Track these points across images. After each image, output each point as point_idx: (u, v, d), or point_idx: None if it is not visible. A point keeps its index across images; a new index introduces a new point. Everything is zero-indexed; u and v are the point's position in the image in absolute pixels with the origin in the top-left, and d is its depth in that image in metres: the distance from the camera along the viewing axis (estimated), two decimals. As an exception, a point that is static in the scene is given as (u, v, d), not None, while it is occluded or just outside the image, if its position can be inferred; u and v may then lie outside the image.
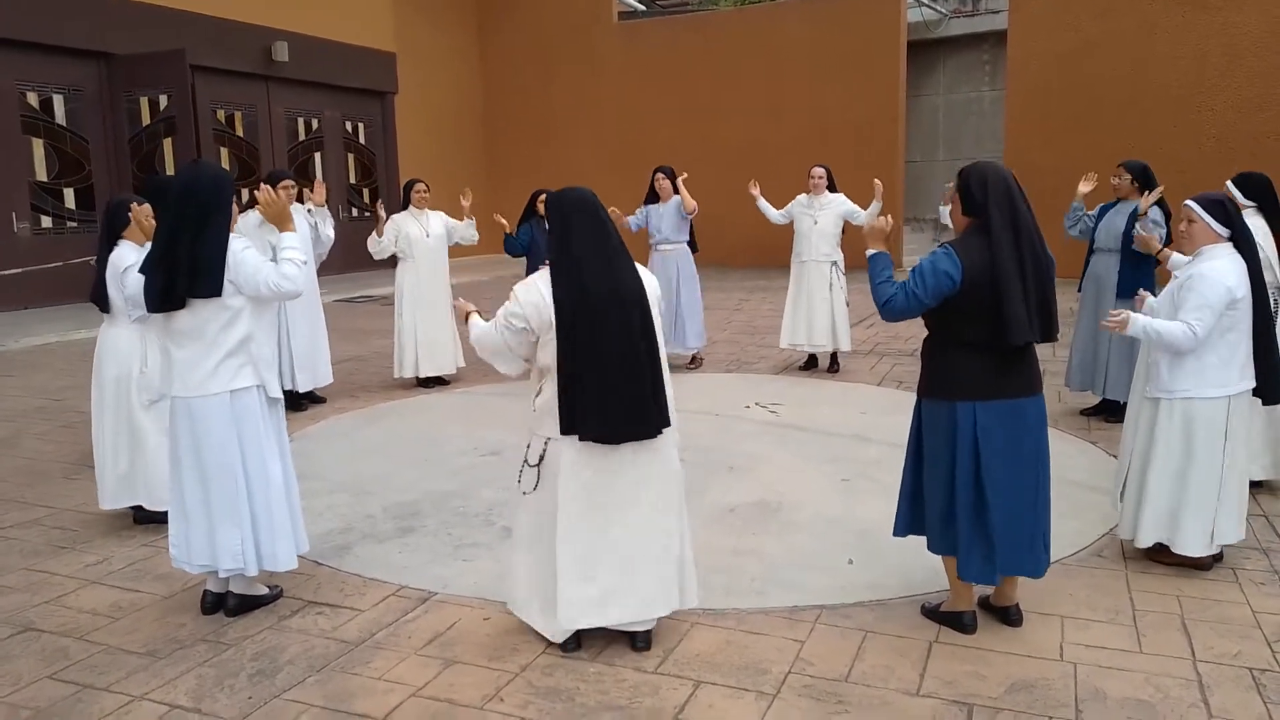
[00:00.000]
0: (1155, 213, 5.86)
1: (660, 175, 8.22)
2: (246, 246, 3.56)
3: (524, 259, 7.91)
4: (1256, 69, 12.34)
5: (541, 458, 3.29)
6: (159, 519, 4.65)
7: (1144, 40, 13.15)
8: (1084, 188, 6.33)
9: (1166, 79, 12.97)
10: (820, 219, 7.99)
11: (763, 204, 8.29)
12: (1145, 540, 3.90)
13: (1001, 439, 3.24)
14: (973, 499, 3.28)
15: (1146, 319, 3.80)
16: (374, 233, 7.67)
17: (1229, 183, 5.12)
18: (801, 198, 8.16)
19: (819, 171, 8.09)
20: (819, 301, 7.99)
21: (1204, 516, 3.78)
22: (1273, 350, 3.85)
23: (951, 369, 3.29)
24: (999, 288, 3.14)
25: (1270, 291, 4.81)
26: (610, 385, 3.12)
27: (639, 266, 3.28)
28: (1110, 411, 6.31)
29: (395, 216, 7.80)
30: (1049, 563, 3.42)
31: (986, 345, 3.22)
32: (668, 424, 3.24)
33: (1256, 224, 4.82)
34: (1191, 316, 3.69)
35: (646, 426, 3.18)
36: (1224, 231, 3.80)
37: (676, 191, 8.17)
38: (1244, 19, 12.34)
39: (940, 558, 3.48)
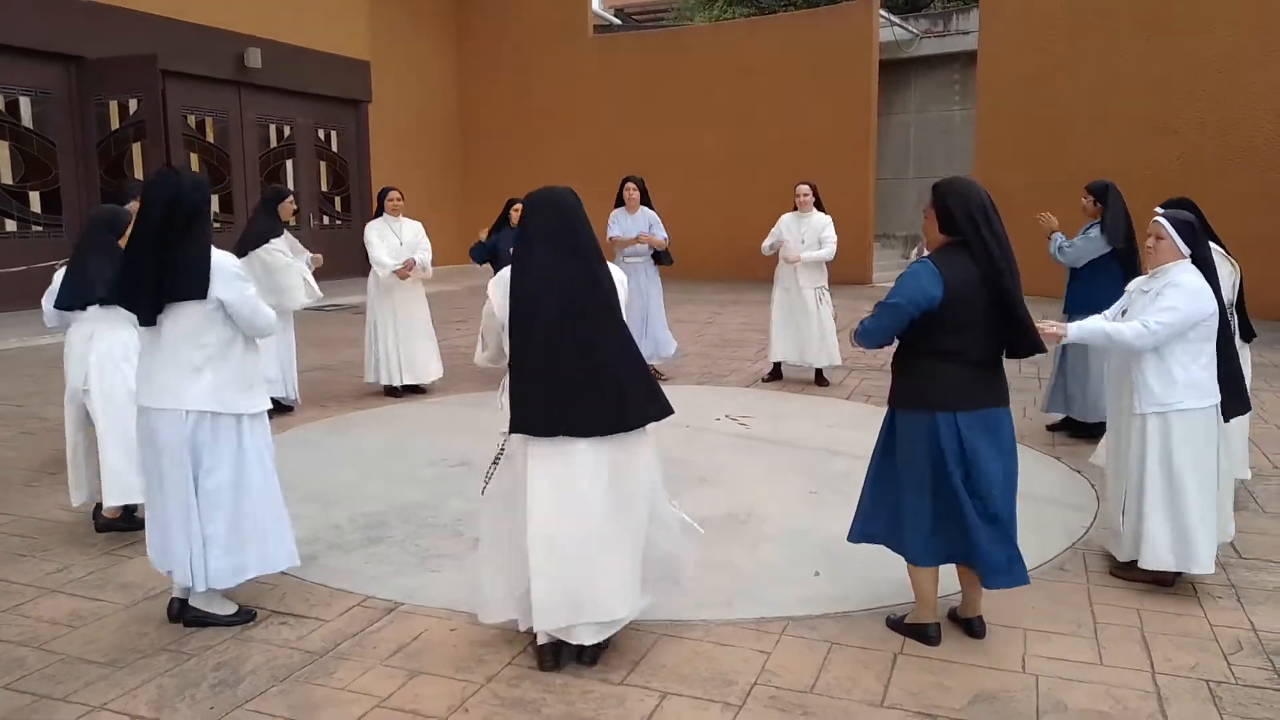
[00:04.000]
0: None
1: (630, 185, 8.23)
2: (242, 277, 3.56)
3: (489, 266, 7.91)
4: (1218, 93, 12.60)
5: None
6: (120, 526, 4.62)
7: (1110, 63, 13.38)
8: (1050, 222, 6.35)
9: (1132, 101, 13.21)
10: (808, 239, 7.89)
11: (770, 247, 8.06)
12: (1154, 563, 3.85)
13: (979, 448, 3.29)
14: (963, 510, 3.30)
15: (1085, 324, 3.91)
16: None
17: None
18: (786, 217, 8.03)
19: (805, 189, 7.95)
20: (806, 324, 8.02)
21: (1211, 530, 3.81)
22: (1232, 368, 3.92)
23: (931, 380, 3.32)
24: (1004, 303, 3.23)
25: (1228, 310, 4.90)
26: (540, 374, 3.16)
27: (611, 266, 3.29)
28: (1073, 428, 6.39)
29: (370, 224, 7.80)
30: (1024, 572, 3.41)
31: (966, 356, 3.28)
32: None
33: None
34: (1155, 316, 3.72)
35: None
36: (1186, 250, 3.88)
37: (648, 204, 8.20)
38: (1206, 45, 12.60)
39: (908, 569, 3.51)
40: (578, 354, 3.12)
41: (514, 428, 3.16)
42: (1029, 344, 3.34)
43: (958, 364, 3.29)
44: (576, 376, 3.11)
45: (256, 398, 3.64)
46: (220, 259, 3.52)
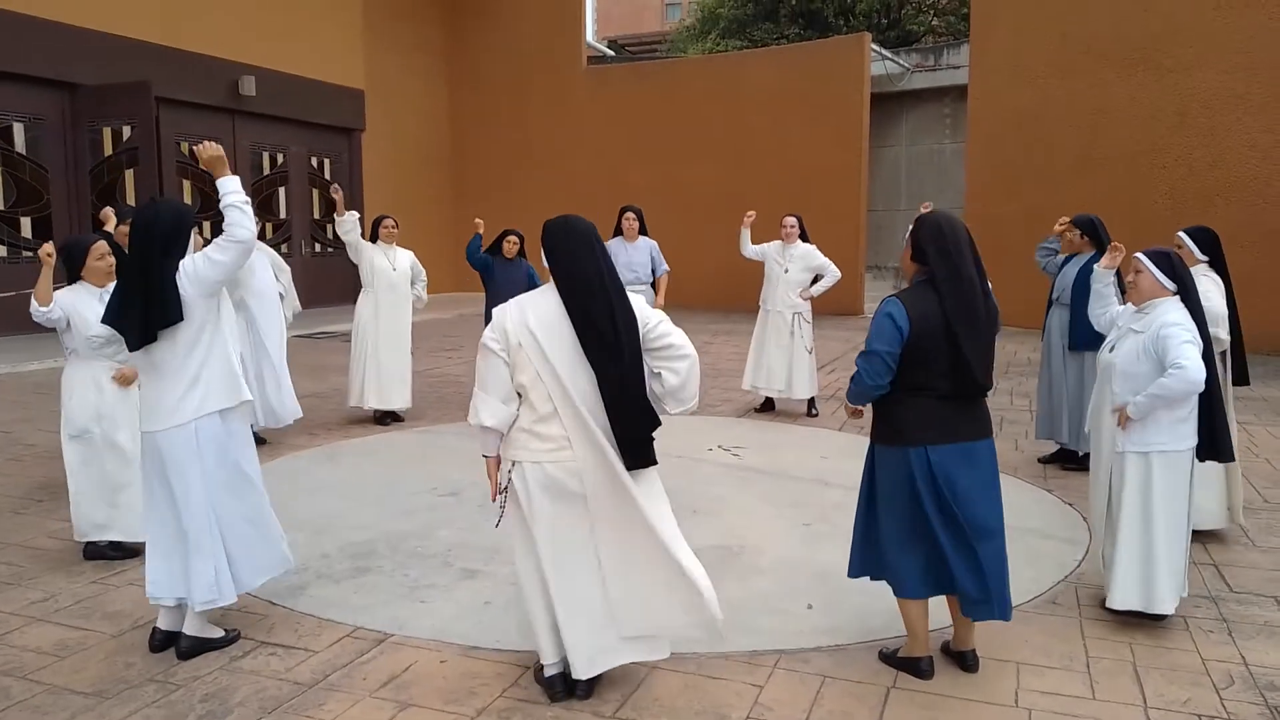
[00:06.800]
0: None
1: (629, 215, 8.31)
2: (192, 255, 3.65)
3: (483, 293, 8.00)
4: (1205, 129, 12.76)
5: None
6: (109, 555, 4.58)
7: (1100, 98, 13.54)
8: (1058, 229, 6.38)
9: (1121, 136, 13.36)
10: (791, 268, 8.06)
11: (745, 234, 8.18)
12: (1122, 604, 3.84)
13: (957, 481, 3.28)
14: (939, 541, 3.30)
15: (1137, 398, 3.77)
16: (335, 214, 7.86)
17: (1182, 234, 5.16)
18: (774, 244, 8.22)
19: (791, 221, 8.12)
20: (778, 349, 8.09)
21: (1176, 571, 3.79)
22: (1218, 410, 3.87)
23: (904, 414, 3.34)
24: (953, 337, 3.22)
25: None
26: None
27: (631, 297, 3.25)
28: (1067, 459, 6.40)
29: (363, 245, 7.83)
30: (1011, 605, 3.40)
31: (935, 390, 3.29)
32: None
33: (1209, 286, 4.79)
34: (1177, 356, 3.64)
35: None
36: (1170, 285, 3.89)
37: (644, 232, 8.28)
38: (1194, 82, 12.78)
39: (898, 603, 3.50)
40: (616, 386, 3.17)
41: (629, 464, 3.16)
42: (974, 384, 3.27)
43: (929, 398, 3.30)
44: (629, 410, 3.19)
45: (241, 388, 3.69)
46: (183, 266, 3.56)
